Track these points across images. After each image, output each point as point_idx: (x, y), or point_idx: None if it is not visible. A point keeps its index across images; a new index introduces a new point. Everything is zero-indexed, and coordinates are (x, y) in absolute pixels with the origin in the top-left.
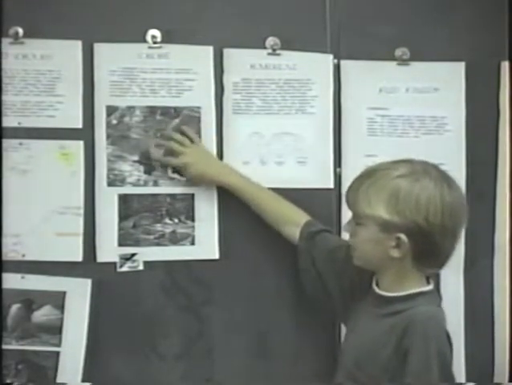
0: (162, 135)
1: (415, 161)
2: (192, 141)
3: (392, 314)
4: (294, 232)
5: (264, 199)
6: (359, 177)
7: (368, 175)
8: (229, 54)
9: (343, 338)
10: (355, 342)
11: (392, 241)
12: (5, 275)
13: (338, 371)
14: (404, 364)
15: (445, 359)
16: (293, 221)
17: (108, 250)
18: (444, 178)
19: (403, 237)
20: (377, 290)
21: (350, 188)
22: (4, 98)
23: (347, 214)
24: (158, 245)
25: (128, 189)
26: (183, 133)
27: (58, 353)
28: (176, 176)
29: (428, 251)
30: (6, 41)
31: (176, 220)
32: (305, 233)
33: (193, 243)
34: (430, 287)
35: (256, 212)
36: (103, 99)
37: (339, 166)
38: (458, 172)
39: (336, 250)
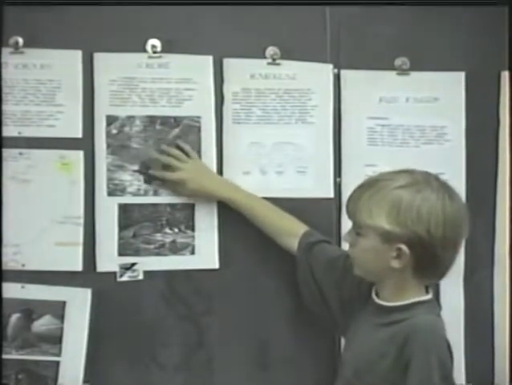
0: (159, 151)
1: (416, 171)
2: (188, 156)
3: (391, 323)
4: (292, 243)
5: (263, 211)
6: (360, 187)
7: (369, 185)
8: (229, 63)
9: (342, 348)
10: (355, 352)
11: (393, 251)
12: (5, 285)
13: (337, 381)
14: (404, 374)
15: (446, 369)
16: (291, 233)
17: (108, 260)
18: (446, 189)
19: (404, 247)
20: (377, 300)
21: (350, 198)
22: (4, 107)
23: (347, 224)
24: (158, 254)
25: (128, 199)
26: (179, 148)
27: (58, 362)
28: None
29: (428, 262)
30: (6, 50)
31: (176, 230)
32: (303, 243)
33: (192, 253)
34: (429, 296)
35: (255, 225)
36: (103, 109)
37: (339, 175)
38: (458, 182)
39: (335, 260)
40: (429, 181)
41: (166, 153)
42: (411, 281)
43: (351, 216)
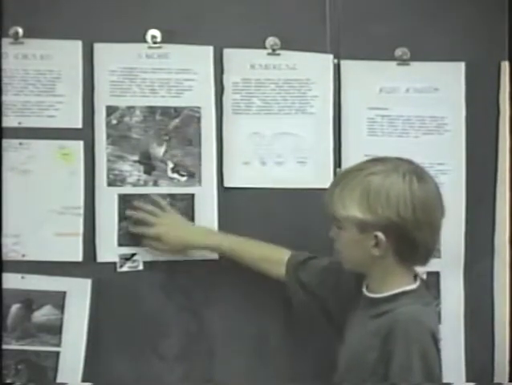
0: (132, 207)
1: (387, 159)
2: (163, 210)
3: (377, 315)
4: (281, 270)
5: (245, 250)
6: (334, 181)
7: (341, 177)
8: (229, 54)
9: None
10: (347, 346)
11: (371, 240)
12: (5, 275)
13: (334, 375)
14: (388, 364)
15: (428, 360)
16: (277, 261)
17: (108, 250)
18: (415, 172)
19: (380, 234)
20: (366, 293)
21: (326, 193)
22: (4, 98)
23: None
24: None
25: (128, 189)
26: (153, 203)
27: (58, 353)
28: (176, 175)
29: (407, 246)
30: (6, 41)
31: None
32: (290, 267)
33: None
34: (415, 286)
35: (241, 264)
36: (103, 99)
37: (339, 166)
38: (458, 172)
39: (325, 270)
40: (398, 166)
41: (140, 209)
42: (396, 269)
43: (328, 210)
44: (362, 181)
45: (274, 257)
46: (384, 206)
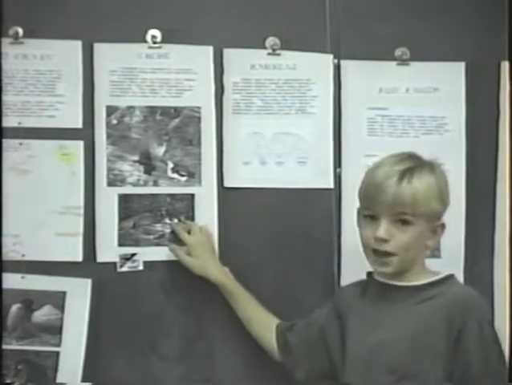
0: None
1: (417, 154)
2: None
3: (427, 299)
4: (269, 338)
5: (251, 309)
6: (400, 179)
7: (410, 174)
8: (229, 54)
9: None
10: (385, 340)
11: (432, 229)
12: (5, 275)
13: (350, 376)
14: (454, 345)
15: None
16: (267, 324)
17: (108, 250)
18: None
19: (445, 223)
20: (400, 283)
21: (386, 193)
22: (4, 98)
23: (347, 214)
24: (158, 245)
25: (127, 189)
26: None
27: (58, 353)
28: (176, 175)
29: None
30: (6, 41)
31: (176, 220)
32: (278, 332)
33: None
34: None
35: (240, 318)
36: (103, 99)
37: (339, 166)
38: (458, 172)
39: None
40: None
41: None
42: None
43: (396, 207)
44: (432, 175)
45: (264, 321)
46: (448, 195)
